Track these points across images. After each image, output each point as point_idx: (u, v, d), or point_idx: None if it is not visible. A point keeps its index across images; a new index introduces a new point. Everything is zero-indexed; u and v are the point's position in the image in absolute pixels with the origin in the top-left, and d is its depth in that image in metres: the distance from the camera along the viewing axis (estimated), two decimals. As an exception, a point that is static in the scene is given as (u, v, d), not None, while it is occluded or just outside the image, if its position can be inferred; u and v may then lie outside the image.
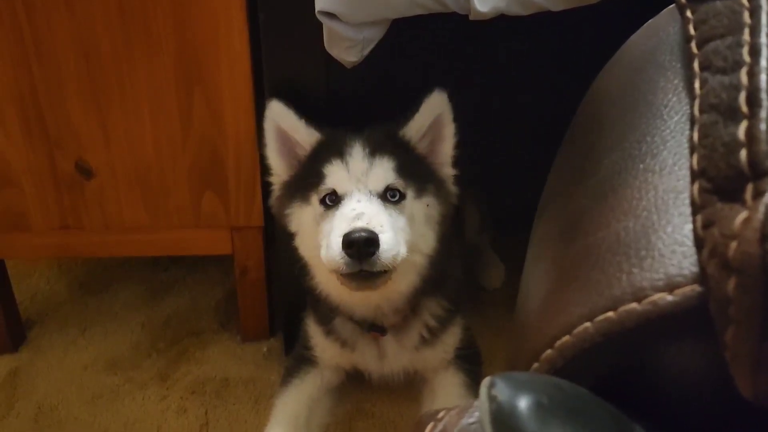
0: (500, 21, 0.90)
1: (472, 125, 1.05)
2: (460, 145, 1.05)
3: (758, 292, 0.28)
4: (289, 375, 1.18)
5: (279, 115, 1.04)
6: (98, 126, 1.13)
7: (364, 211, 0.93)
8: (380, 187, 0.98)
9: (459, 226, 1.28)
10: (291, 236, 1.08)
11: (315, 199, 1.00)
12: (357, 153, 0.99)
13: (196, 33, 1.06)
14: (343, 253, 0.90)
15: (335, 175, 0.99)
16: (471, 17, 0.89)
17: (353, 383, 1.21)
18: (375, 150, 0.99)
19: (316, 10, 0.88)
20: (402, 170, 0.99)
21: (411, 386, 1.20)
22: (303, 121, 1.04)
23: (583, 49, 0.90)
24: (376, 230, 0.90)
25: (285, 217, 1.07)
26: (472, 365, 1.16)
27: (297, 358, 1.20)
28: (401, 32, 0.96)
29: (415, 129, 1.04)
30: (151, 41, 1.06)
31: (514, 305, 0.55)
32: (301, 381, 1.17)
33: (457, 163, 1.07)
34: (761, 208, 0.28)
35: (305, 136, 1.04)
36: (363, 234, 0.89)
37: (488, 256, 1.51)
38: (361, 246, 0.89)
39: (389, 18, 0.92)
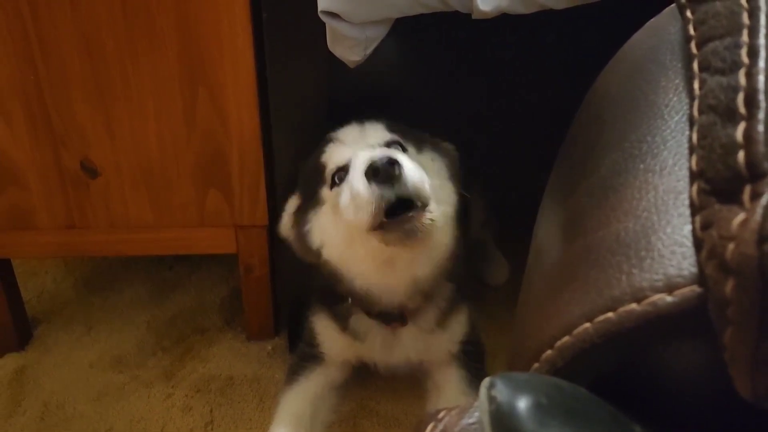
0: (503, 20, 0.90)
1: (475, 123, 1.05)
2: (463, 143, 1.06)
3: (756, 294, 0.28)
4: (293, 373, 1.19)
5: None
6: (103, 124, 1.14)
7: (375, 151, 0.91)
8: (380, 141, 0.99)
9: (463, 222, 1.28)
10: (318, 257, 1.06)
11: (325, 191, 1.01)
12: (347, 128, 1.02)
13: (200, 31, 1.06)
14: (373, 185, 0.87)
15: (335, 154, 0.99)
16: (474, 16, 0.89)
17: (357, 381, 1.22)
18: (366, 120, 1.02)
19: (318, 10, 0.88)
20: (396, 131, 1.01)
21: (415, 384, 1.20)
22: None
23: (584, 48, 0.89)
24: (396, 157, 0.88)
25: (305, 236, 1.05)
26: (475, 362, 1.17)
27: (301, 357, 1.20)
28: (404, 31, 0.96)
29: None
30: (155, 39, 1.07)
31: (517, 302, 0.55)
32: (305, 379, 1.17)
33: (460, 161, 1.07)
34: (759, 210, 0.28)
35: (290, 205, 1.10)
36: (383, 158, 0.86)
37: (492, 253, 1.51)
38: (387, 167, 0.86)
39: (392, 17, 0.92)
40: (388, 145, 0.98)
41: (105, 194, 1.20)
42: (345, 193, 0.93)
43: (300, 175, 1.09)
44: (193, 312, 1.47)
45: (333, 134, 1.03)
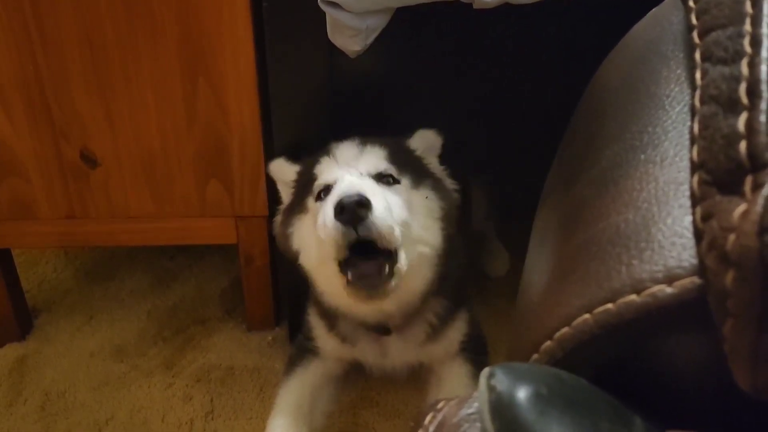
0: (504, 10, 0.89)
1: (476, 113, 1.04)
2: (465, 134, 1.05)
3: (756, 285, 0.28)
4: (292, 364, 1.19)
5: (273, 170, 1.12)
6: (103, 114, 1.13)
7: (353, 182, 0.91)
8: (372, 170, 0.97)
9: (465, 214, 1.28)
10: (296, 259, 1.07)
11: (311, 201, 1.01)
12: (347, 145, 1.00)
13: (200, 20, 1.06)
14: (336, 222, 0.87)
15: (326, 171, 0.99)
16: (475, 6, 0.88)
17: (357, 372, 1.22)
18: (366, 140, 1.00)
19: (319, 0, 0.88)
20: (395, 160, 0.99)
21: (416, 375, 1.20)
22: (284, 162, 1.10)
23: (586, 38, 0.89)
24: (367, 195, 0.87)
25: (288, 238, 1.07)
26: (478, 355, 1.16)
27: (300, 348, 1.21)
28: (404, 21, 0.96)
29: (414, 145, 1.06)
30: (155, 29, 1.06)
31: (517, 294, 0.55)
32: (305, 370, 1.17)
33: (463, 152, 1.07)
34: (760, 201, 0.28)
35: (285, 173, 1.10)
36: (353, 196, 0.86)
37: (493, 244, 1.51)
38: (353, 207, 0.85)
39: (392, 7, 0.92)
40: (380, 176, 0.96)
41: (105, 184, 1.20)
42: (320, 215, 0.93)
43: (296, 176, 1.10)
44: (193, 302, 1.47)
45: (333, 146, 1.02)
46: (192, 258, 1.59)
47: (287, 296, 1.35)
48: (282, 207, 1.12)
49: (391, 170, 0.97)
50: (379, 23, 0.93)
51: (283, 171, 1.11)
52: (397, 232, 0.89)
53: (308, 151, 1.08)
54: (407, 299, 1.03)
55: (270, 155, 1.16)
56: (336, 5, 0.89)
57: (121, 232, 1.26)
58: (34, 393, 1.24)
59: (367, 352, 1.14)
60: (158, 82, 1.11)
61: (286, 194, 1.12)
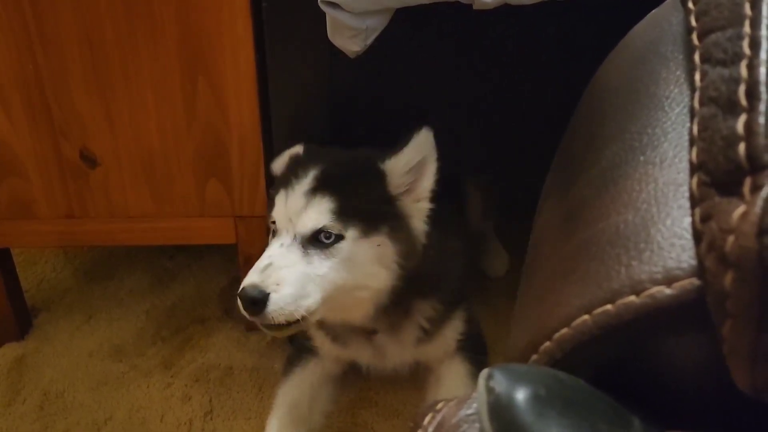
0: (504, 10, 0.89)
1: (476, 114, 1.04)
2: (464, 134, 1.05)
3: (755, 286, 0.28)
4: (290, 364, 1.19)
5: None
6: (102, 114, 1.13)
7: (271, 262, 0.94)
8: (308, 230, 0.96)
9: (462, 214, 1.28)
10: None
11: (270, 221, 1.03)
12: (299, 188, 0.99)
13: (200, 20, 1.06)
14: (239, 301, 0.93)
15: (277, 208, 1.00)
16: (475, 7, 0.88)
17: (356, 372, 1.22)
18: (318, 187, 0.98)
19: (318, 0, 0.88)
20: (344, 211, 0.97)
21: (415, 374, 1.20)
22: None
23: (586, 39, 0.89)
24: (269, 288, 0.91)
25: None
26: (476, 354, 1.16)
27: (298, 348, 1.21)
28: (404, 22, 0.96)
29: (400, 164, 1.01)
30: (155, 28, 1.06)
31: (516, 294, 0.55)
32: (303, 369, 1.18)
33: (461, 153, 1.06)
34: (759, 202, 0.28)
35: (277, 167, 1.10)
36: (250, 293, 0.91)
37: (492, 244, 1.51)
38: (247, 303, 0.92)
39: (392, 7, 0.92)
40: (316, 234, 0.96)
41: (105, 184, 1.20)
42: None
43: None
44: (192, 302, 1.47)
45: (291, 181, 1.00)
46: (191, 258, 1.59)
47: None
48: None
49: (333, 226, 0.96)
50: (378, 24, 0.93)
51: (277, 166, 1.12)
52: (304, 308, 0.93)
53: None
54: (353, 320, 1.05)
55: (270, 155, 1.16)
56: (336, 5, 0.89)
57: (120, 231, 1.26)
58: (32, 392, 1.24)
59: (361, 352, 1.14)
60: (158, 82, 1.11)
61: None
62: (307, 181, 0.99)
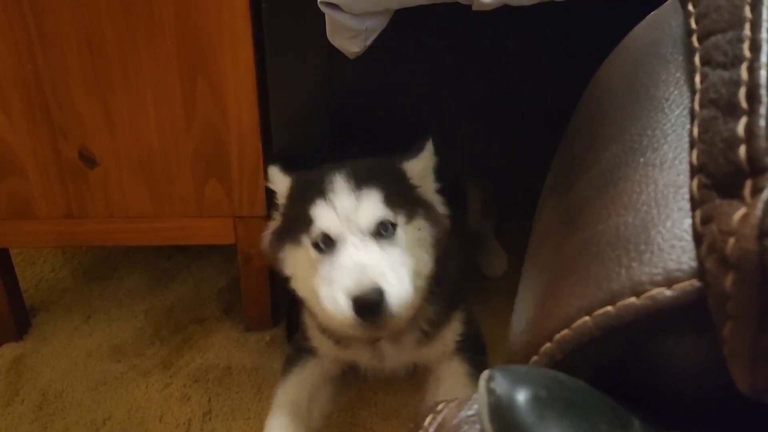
0: (503, 11, 0.89)
1: (475, 114, 1.04)
2: (463, 135, 1.05)
3: (755, 288, 0.28)
4: (289, 364, 1.19)
5: (270, 178, 1.09)
6: (102, 113, 1.13)
7: (363, 262, 0.93)
8: (372, 222, 0.96)
9: (462, 214, 1.28)
10: (287, 278, 1.08)
11: (307, 241, 1.00)
12: (341, 189, 0.98)
13: (199, 20, 1.06)
14: (354, 315, 0.90)
15: (324, 218, 0.98)
16: (474, 8, 0.88)
17: (355, 372, 1.22)
18: (360, 183, 0.98)
19: (318, 1, 0.88)
20: (390, 200, 0.98)
21: (414, 375, 1.20)
22: (278, 170, 1.07)
23: (586, 40, 0.89)
24: (382, 285, 0.90)
25: (279, 261, 1.08)
26: (476, 354, 1.16)
27: (297, 348, 1.21)
28: (403, 23, 0.96)
29: (419, 166, 1.05)
30: (154, 28, 1.06)
31: (516, 294, 0.55)
32: (302, 370, 1.17)
33: (461, 153, 1.07)
34: (759, 205, 0.28)
35: (277, 182, 1.08)
36: (372, 296, 0.89)
37: (491, 245, 1.51)
38: (366, 311, 0.89)
39: (391, 8, 0.92)
40: (379, 230, 0.96)
41: (104, 184, 1.20)
42: (323, 271, 0.96)
43: (288, 200, 1.08)
44: (191, 302, 1.47)
45: (327, 186, 0.99)
46: (190, 258, 1.59)
47: (285, 296, 1.35)
48: (273, 224, 1.11)
49: (389, 215, 0.97)
50: (378, 24, 0.93)
51: (277, 180, 1.09)
52: (409, 296, 0.93)
53: (304, 156, 1.08)
54: (400, 324, 1.04)
55: (269, 155, 1.16)
56: (335, 6, 0.89)
57: (119, 231, 1.26)
58: (31, 392, 1.24)
59: (361, 354, 1.14)
60: (157, 82, 1.11)
61: (279, 203, 1.10)
62: (344, 180, 0.98)
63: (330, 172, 1.00)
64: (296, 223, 1.02)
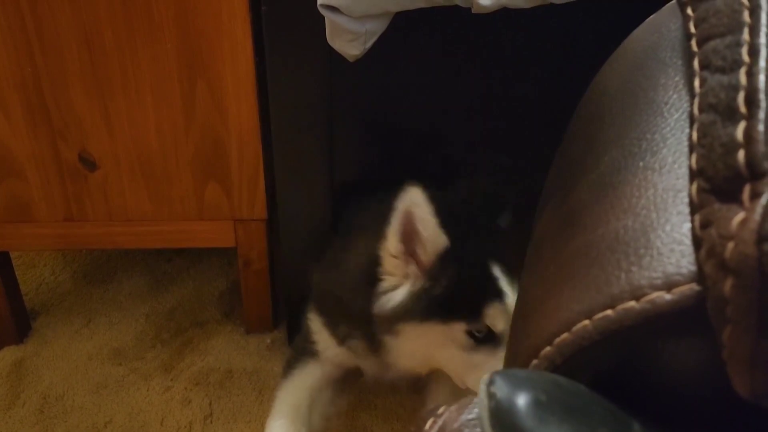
0: (502, 14, 0.90)
1: (474, 118, 1.04)
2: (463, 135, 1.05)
3: (754, 293, 0.28)
4: (290, 366, 1.19)
5: (415, 202, 0.90)
6: (101, 115, 1.13)
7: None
8: None
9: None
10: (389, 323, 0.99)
11: (459, 328, 0.95)
12: (508, 289, 0.95)
13: (199, 23, 1.06)
14: None
15: (497, 318, 0.94)
16: (473, 10, 0.89)
17: (356, 375, 1.22)
18: (513, 276, 0.96)
19: (318, 4, 0.88)
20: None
21: (414, 377, 1.20)
22: (436, 220, 0.91)
23: (585, 43, 0.89)
24: None
25: (398, 325, 0.98)
26: None
27: (299, 350, 1.21)
28: (403, 26, 0.96)
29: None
30: (154, 30, 1.07)
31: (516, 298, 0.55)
32: (303, 372, 1.18)
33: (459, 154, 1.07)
34: (758, 209, 0.29)
35: (433, 237, 0.92)
36: None
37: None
38: None
39: (391, 11, 0.92)
40: None
41: (103, 186, 1.20)
42: (479, 360, 0.94)
43: (440, 265, 0.96)
44: (191, 305, 1.47)
45: (499, 287, 0.94)
46: (190, 260, 1.59)
47: (285, 298, 1.35)
48: (409, 281, 0.96)
49: None
50: (378, 27, 0.94)
51: (433, 236, 0.93)
52: None
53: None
54: None
55: (269, 158, 1.16)
56: (335, 9, 0.89)
57: (119, 234, 1.26)
58: (32, 396, 1.24)
59: (367, 362, 1.14)
60: (157, 85, 1.11)
61: (399, 225, 0.93)
62: (506, 277, 0.96)
63: (479, 256, 0.96)
64: (452, 305, 0.94)
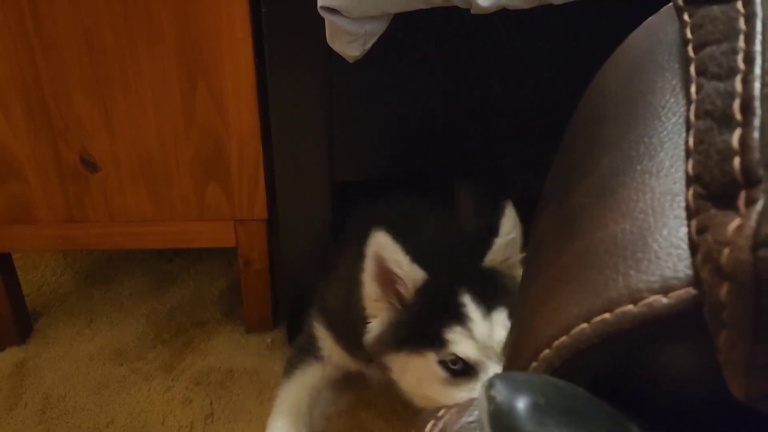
0: (501, 15, 0.90)
1: (473, 119, 1.05)
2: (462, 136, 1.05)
3: (750, 298, 0.29)
4: (291, 366, 1.19)
5: (382, 245, 0.93)
6: (102, 116, 1.14)
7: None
8: (501, 345, 0.94)
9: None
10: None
11: (432, 358, 0.95)
12: (475, 315, 0.93)
13: (199, 24, 1.06)
14: None
15: (461, 344, 0.93)
16: (472, 11, 0.89)
17: (357, 374, 1.22)
18: (489, 306, 0.94)
19: (318, 6, 0.88)
20: (511, 307, 0.95)
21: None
22: (407, 258, 0.94)
23: (584, 44, 0.90)
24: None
25: (383, 357, 1.01)
26: None
27: (299, 350, 1.21)
28: (403, 27, 0.97)
29: (497, 255, 0.99)
30: (154, 31, 1.07)
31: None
32: (303, 372, 1.18)
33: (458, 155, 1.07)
34: (753, 216, 0.29)
35: (409, 273, 0.94)
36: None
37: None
38: None
39: (390, 12, 0.92)
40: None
41: (104, 187, 1.20)
42: (458, 395, 0.92)
43: (416, 299, 0.97)
44: (192, 304, 1.47)
45: (462, 313, 0.93)
46: (190, 261, 1.59)
47: (285, 298, 1.35)
48: (387, 314, 0.99)
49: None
50: (377, 28, 0.94)
51: (410, 273, 0.95)
52: None
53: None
54: None
55: (269, 158, 1.16)
56: (335, 11, 0.89)
57: (120, 235, 1.26)
58: (34, 397, 1.25)
59: (370, 367, 1.14)
60: (157, 86, 1.11)
61: (372, 269, 0.96)
62: (474, 304, 0.94)
63: (455, 287, 0.95)
64: (421, 335, 0.95)
